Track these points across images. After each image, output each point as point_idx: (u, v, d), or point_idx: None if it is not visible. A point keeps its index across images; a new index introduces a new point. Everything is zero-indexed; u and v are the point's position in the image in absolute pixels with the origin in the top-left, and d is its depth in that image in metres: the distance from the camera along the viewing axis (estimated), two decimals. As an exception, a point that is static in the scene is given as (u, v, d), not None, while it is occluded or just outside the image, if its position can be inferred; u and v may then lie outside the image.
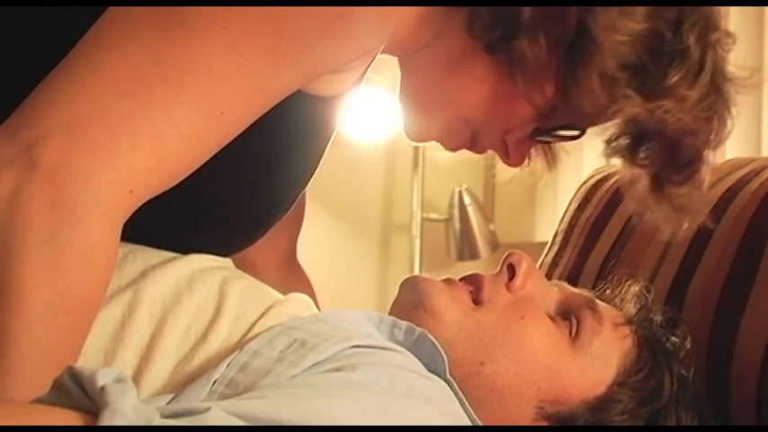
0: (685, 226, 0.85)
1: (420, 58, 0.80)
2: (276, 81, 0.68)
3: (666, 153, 0.80)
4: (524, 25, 0.73)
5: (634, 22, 0.74)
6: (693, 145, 0.79)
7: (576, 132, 0.85)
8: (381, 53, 0.83)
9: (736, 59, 0.82)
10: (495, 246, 2.18)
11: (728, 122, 0.81)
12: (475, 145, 0.86)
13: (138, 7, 0.65)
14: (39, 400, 0.52)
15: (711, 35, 0.78)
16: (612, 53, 0.74)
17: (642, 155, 0.82)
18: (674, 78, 0.76)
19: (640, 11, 0.74)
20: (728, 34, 0.81)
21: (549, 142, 0.88)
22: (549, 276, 1.16)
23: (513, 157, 0.86)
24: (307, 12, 0.66)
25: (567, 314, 0.83)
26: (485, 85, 0.79)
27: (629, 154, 0.82)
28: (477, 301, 0.82)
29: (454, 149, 0.87)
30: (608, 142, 0.83)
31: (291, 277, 1.06)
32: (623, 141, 0.81)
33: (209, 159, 0.68)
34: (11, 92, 0.64)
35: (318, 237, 2.13)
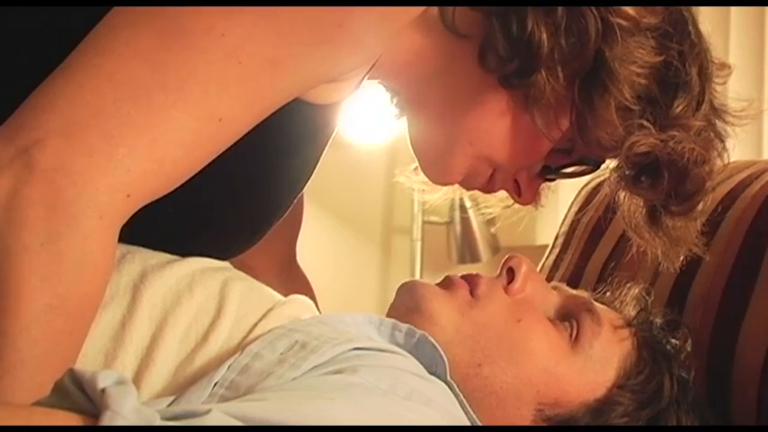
0: (681, 258, 0.85)
1: (431, 93, 0.79)
2: (275, 89, 0.68)
3: (673, 184, 0.79)
4: (544, 59, 0.72)
5: (648, 53, 0.74)
6: (699, 175, 0.79)
7: (588, 167, 0.84)
8: (381, 82, 0.82)
9: (735, 91, 0.83)
10: (496, 249, 2.18)
11: (725, 156, 0.81)
12: (489, 185, 0.85)
13: (138, 12, 0.65)
14: (39, 403, 0.52)
15: (709, 69, 0.78)
16: (629, 84, 0.73)
17: (645, 183, 0.80)
18: (679, 108, 0.76)
19: (651, 43, 0.74)
20: (724, 66, 0.81)
21: (562, 177, 0.87)
22: (549, 279, 1.16)
23: (526, 195, 0.85)
24: (306, 20, 0.66)
25: (566, 317, 0.83)
26: (505, 120, 0.78)
27: (632, 183, 0.81)
28: (473, 294, 0.82)
29: (471, 189, 0.86)
30: (615, 170, 0.82)
31: (291, 280, 1.06)
32: (628, 171, 0.80)
33: (208, 163, 0.68)
34: (9, 94, 0.64)
35: (320, 240, 2.13)
